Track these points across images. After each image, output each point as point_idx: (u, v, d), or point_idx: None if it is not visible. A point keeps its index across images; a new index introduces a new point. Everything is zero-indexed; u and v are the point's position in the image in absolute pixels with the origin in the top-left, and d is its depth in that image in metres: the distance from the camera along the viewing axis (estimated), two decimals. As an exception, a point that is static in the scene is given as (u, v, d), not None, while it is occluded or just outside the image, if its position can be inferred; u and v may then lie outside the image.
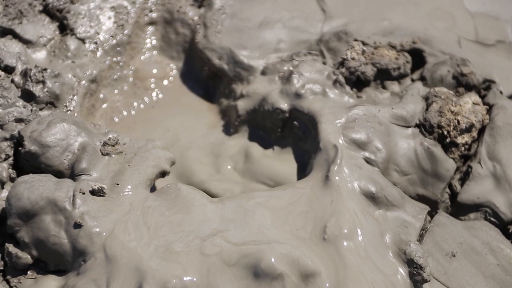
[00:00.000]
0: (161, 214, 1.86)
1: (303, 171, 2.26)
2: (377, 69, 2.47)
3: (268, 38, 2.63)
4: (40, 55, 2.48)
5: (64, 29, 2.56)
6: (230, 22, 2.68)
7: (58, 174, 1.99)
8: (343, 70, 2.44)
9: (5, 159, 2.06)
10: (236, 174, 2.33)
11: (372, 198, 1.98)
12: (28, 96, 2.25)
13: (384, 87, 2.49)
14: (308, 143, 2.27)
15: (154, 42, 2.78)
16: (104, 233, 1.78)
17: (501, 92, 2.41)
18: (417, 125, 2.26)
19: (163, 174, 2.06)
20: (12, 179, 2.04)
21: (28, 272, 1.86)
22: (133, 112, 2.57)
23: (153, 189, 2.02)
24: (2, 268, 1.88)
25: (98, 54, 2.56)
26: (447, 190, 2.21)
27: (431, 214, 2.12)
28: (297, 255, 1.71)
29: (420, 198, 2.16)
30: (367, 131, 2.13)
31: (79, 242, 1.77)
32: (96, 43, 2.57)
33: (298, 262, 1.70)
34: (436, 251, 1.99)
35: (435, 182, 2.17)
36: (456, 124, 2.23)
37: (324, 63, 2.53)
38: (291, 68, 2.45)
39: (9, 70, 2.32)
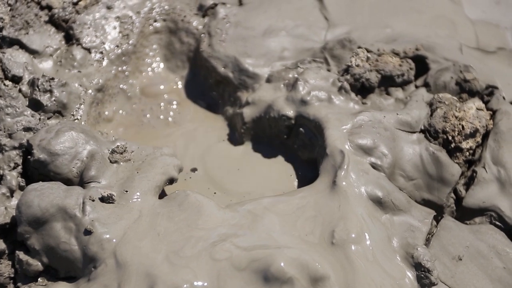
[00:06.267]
0: (170, 220, 1.87)
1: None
2: (381, 76, 2.49)
3: (272, 46, 2.64)
4: (46, 65, 2.50)
5: (70, 39, 2.58)
6: (234, 31, 2.69)
7: (67, 182, 2.00)
8: (348, 77, 2.46)
9: (14, 168, 2.07)
10: None
11: (379, 202, 2.00)
12: (36, 105, 2.26)
13: (388, 94, 2.51)
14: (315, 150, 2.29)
15: (158, 51, 2.80)
16: (114, 240, 1.79)
17: (504, 98, 2.43)
18: (422, 131, 2.28)
19: (171, 181, 2.07)
20: (21, 188, 2.05)
21: (39, 279, 1.86)
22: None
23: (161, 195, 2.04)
24: (13, 275, 1.89)
25: (104, 63, 2.58)
26: (452, 194, 2.23)
27: (437, 218, 2.13)
28: (306, 259, 1.72)
29: (426, 203, 2.17)
30: (373, 136, 2.14)
31: (89, 248, 1.79)
32: (101, 52, 2.59)
33: (308, 266, 1.71)
34: (442, 255, 2.00)
35: (441, 187, 2.18)
36: (461, 129, 2.25)
37: (329, 70, 2.54)
38: (296, 75, 2.47)
39: (16, 80, 2.33)
